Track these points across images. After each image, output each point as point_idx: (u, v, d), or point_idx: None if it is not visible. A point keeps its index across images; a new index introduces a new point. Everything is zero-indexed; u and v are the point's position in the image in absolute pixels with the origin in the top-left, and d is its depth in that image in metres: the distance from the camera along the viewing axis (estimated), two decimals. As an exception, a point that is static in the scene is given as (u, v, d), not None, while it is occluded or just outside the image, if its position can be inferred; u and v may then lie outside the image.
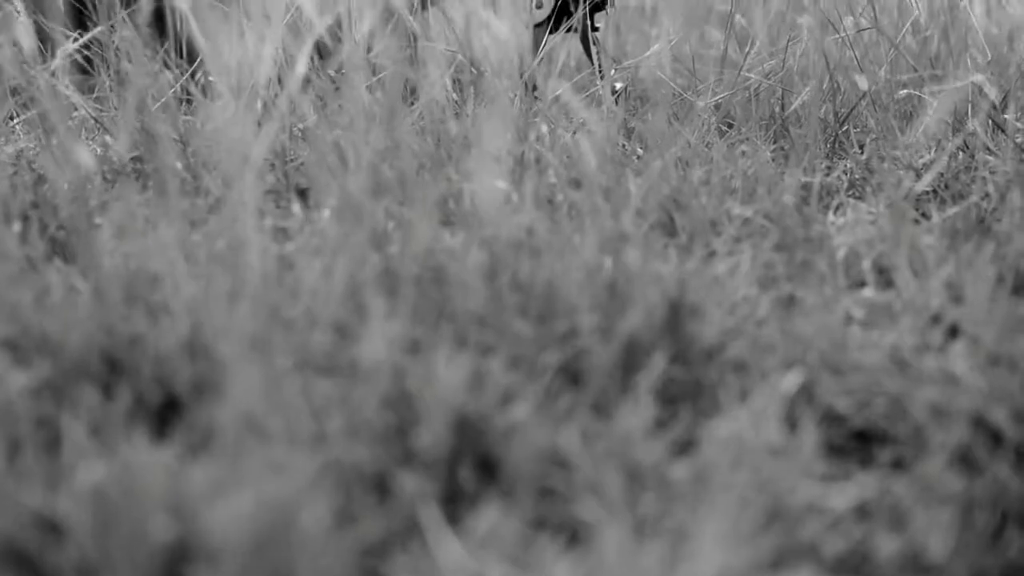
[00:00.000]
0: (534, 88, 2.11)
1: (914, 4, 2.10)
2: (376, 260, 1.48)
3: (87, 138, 2.07)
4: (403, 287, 1.41)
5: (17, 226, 1.65)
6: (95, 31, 2.00)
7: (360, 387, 1.25)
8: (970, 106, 1.97)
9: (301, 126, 1.92)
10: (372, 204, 1.56)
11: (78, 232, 1.60)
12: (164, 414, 1.30)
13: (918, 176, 1.80)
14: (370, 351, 1.25)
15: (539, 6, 2.23)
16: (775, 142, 2.10)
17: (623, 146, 2.03)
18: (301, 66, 1.72)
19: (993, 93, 1.81)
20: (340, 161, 1.70)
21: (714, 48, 2.53)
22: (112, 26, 1.96)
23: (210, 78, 1.92)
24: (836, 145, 2.06)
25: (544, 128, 1.82)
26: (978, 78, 1.70)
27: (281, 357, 1.28)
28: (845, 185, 1.92)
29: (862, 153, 2.01)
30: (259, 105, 1.92)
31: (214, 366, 1.28)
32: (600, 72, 2.19)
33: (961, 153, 1.95)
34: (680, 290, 1.40)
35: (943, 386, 1.31)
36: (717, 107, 2.16)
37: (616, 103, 2.13)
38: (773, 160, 1.98)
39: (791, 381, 1.32)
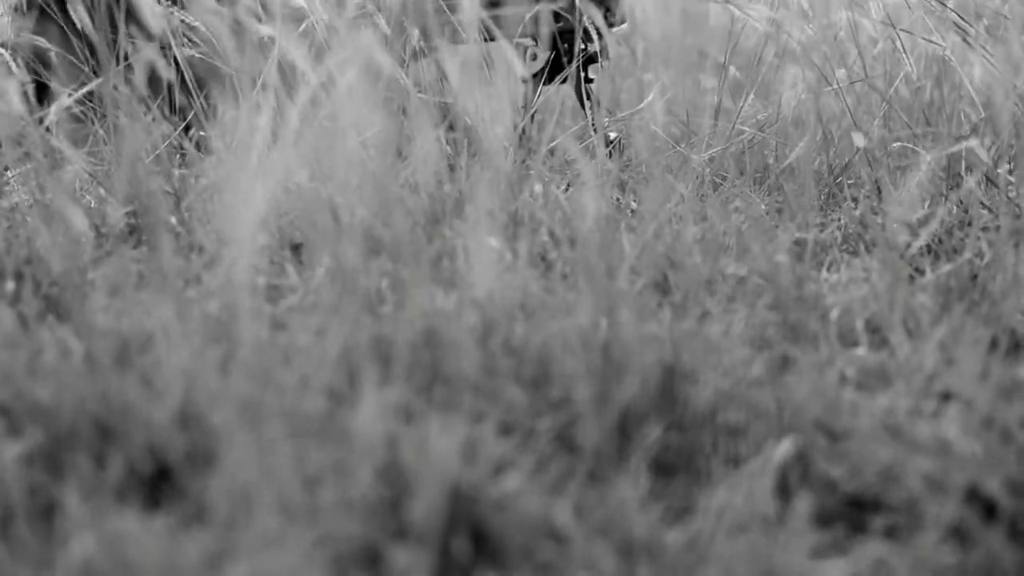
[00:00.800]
0: (528, 140, 2.11)
1: (906, 58, 2.11)
2: (369, 322, 1.47)
3: (82, 190, 2.07)
4: (397, 351, 1.40)
5: (11, 284, 1.65)
6: (90, 85, 2.00)
7: (353, 457, 1.24)
8: (963, 161, 1.97)
9: (296, 181, 1.92)
10: (366, 264, 1.56)
11: (72, 289, 1.60)
12: (157, 482, 1.30)
13: (912, 231, 1.80)
14: (363, 422, 1.25)
15: (533, 57, 2.23)
16: (769, 194, 2.10)
17: (617, 200, 2.03)
18: (294, 122, 1.73)
19: (985, 155, 1.81)
20: (334, 218, 1.70)
21: (708, 95, 2.54)
22: (109, 80, 1.96)
23: (202, 133, 1.92)
24: (830, 198, 2.06)
25: (538, 187, 1.82)
26: (972, 144, 1.70)
27: (273, 425, 1.28)
28: (839, 240, 1.92)
29: (856, 207, 2.01)
30: (253, 158, 1.92)
31: (207, 436, 1.28)
32: (594, 124, 2.20)
33: (955, 207, 1.95)
34: (675, 354, 1.40)
35: (937, 456, 1.31)
36: (711, 159, 2.16)
37: (610, 155, 2.14)
38: (767, 214, 1.98)
39: (784, 450, 1.32)
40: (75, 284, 1.60)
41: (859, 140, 1.67)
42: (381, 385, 1.34)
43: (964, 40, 1.97)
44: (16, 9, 2.20)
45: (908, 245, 1.77)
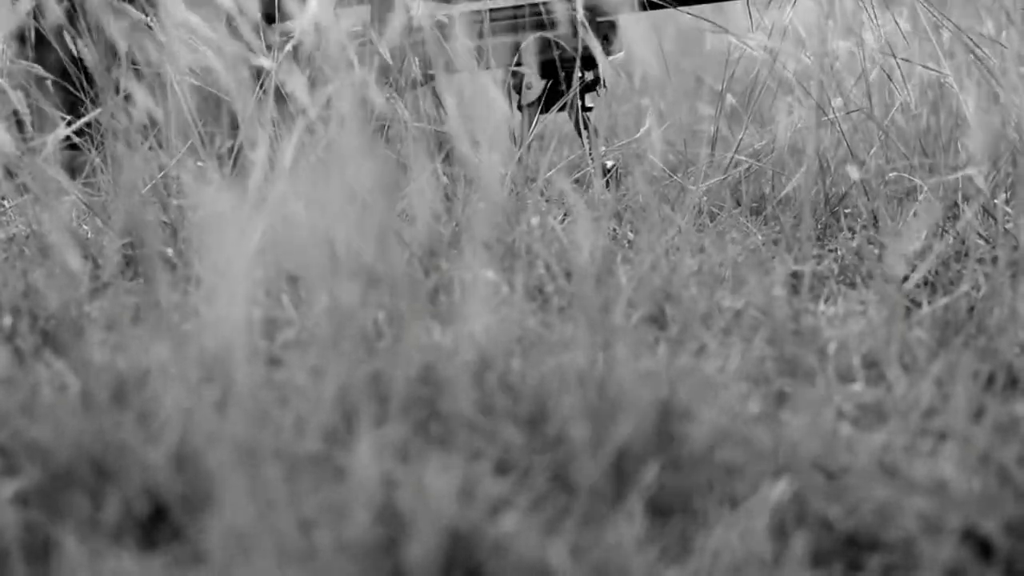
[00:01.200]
0: (525, 169, 2.11)
1: (904, 86, 2.11)
2: (366, 358, 1.47)
3: (78, 219, 2.07)
4: (394, 388, 1.40)
5: (7, 319, 1.65)
6: (90, 116, 2.00)
7: (349, 498, 1.24)
8: (960, 193, 1.97)
9: (292, 212, 1.92)
10: (363, 297, 1.56)
11: (68, 323, 1.60)
12: (153, 522, 1.29)
13: (909, 263, 1.80)
14: (360, 463, 1.25)
15: (529, 86, 2.23)
16: (766, 223, 2.10)
17: (614, 230, 2.03)
18: (290, 155, 1.73)
19: (983, 185, 1.82)
20: (330, 250, 1.69)
21: (705, 123, 2.54)
22: (107, 109, 1.96)
23: (199, 164, 1.92)
24: (826, 228, 2.07)
25: (535, 219, 1.83)
26: (971, 172, 1.71)
27: (270, 466, 1.27)
28: (836, 271, 1.92)
29: (852, 238, 2.01)
30: (251, 187, 1.92)
31: (203, 477, 1.28)
32: (591, 153, 2.20)
33: (952, 239, 1.95)
34: (671, 391, 1.40)
35: (933, 495, 1.30)
36: (708, 189, 2.16)
37: (607, 184, 2.14)
38: (763, 245, 1.98)
39: (780, 489, 1.32)
40: (72, 318, 1.60)
41: (854, 173, 1.67)
42: (378, 423, 1.35)
43: (973, 55, 1.97)
44: (16, 38, 2.20)
45: (905, 277, 1.77)
